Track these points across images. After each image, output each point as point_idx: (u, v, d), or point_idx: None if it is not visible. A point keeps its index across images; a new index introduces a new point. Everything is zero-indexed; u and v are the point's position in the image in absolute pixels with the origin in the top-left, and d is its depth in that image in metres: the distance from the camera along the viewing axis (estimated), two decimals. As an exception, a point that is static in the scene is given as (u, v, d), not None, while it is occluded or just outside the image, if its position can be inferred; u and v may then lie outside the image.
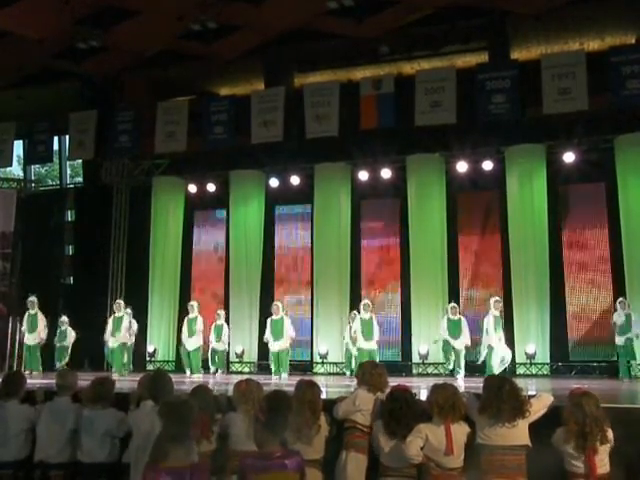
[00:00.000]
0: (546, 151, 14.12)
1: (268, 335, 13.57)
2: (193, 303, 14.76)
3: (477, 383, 7.08)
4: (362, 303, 13.38)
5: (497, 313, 12.54)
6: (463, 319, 12.93)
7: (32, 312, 14.51)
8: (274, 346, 13.46)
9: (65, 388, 5.85)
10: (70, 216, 19.17)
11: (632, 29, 14.62)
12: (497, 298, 12.92)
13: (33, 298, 14.54)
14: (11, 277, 17.66)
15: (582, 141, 13.72)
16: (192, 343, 14.25)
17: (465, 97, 13.61)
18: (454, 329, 12.72)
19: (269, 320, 13.72)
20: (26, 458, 5.66)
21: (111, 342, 14.09)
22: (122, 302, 14.65)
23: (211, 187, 16.21)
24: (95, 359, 15.14)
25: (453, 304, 13.08)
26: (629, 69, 12.58)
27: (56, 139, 18.73)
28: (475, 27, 14.87)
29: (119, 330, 14.06)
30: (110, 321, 14.34)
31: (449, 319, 12.83)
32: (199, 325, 14.34)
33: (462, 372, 12.63)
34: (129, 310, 14.46)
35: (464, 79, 13.73)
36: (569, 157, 13.72)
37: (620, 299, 12.71)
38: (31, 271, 17.57)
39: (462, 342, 12.69)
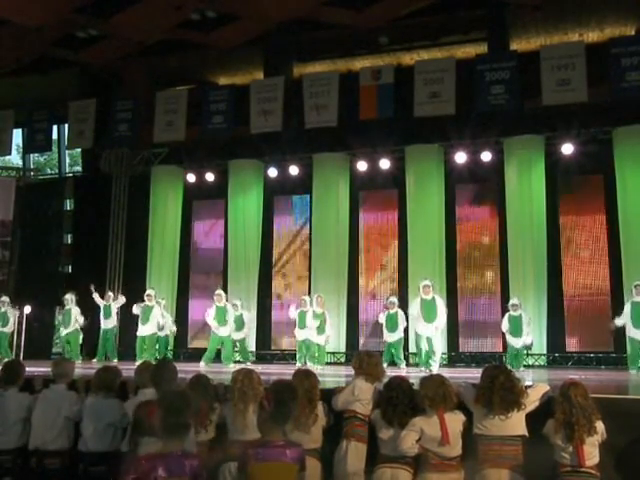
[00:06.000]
0: (545, 142, 14.13)
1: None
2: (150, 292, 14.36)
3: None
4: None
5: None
6: (438, 299, 11.81)
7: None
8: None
9: (61, 376, 5.88)
10: (69, 205, 19.18)
11: (632, 20, 14.60)
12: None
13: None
14: (10, 265, 17.69)
15: (581, 132, 13.73)
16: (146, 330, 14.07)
17: (464, 88, 13.63)
18: (428, 311, 11.52)
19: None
20: (25, 446, 5.69)
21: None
22: (73, 296, 14.50)
23: (210, 176, 16.22)
24: (91, 348, 15.14)
25: (426, 282, 11.76)
26: (629, 61, 12.60)
27: (55, 128, 18.73)
28: (475, 18, 14.86)
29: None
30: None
31: (422, 299, 11.64)
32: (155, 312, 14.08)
33: (437, 363, 11.60)
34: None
35: (463, 70, 13.76)
36: (568, 148, 13.73)
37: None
38: (29, 259, 17.62)
39: (434, 326, 11.57)
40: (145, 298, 14.11)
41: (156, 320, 14.03)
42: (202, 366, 12.52)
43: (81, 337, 14.50)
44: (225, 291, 15.51)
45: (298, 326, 13.28)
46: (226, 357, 13.49)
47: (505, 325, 12.57)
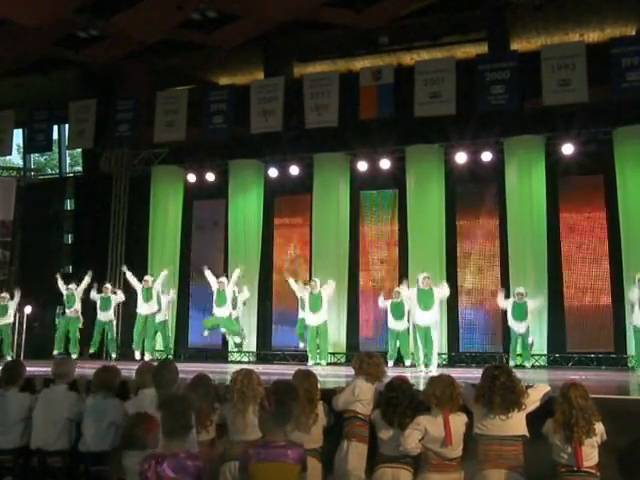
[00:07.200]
0: (545, 142, 14.12)
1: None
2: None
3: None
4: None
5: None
6: (436, 290, 11.71)
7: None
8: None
9: (61, 376, 5.87)
10: (69, 205, 19.22)
11: (633, 20, 14.61)
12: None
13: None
14: (10, 265, 17.70)
15: (581, 132, 13.73)
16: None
17: (465, 88, 13.61)
18: (425, 299, 11.54)
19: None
20: (26, 445, 5.70)
21: None
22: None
23: (210, 176, 16.23)
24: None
25: (425, 274, 11.78)
26: (629, 61, 12.56)
27: (55, 128, 18.72)
28: (475, 18, 14.87)
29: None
30: None
31: (419, 289, 11.65)
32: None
33: (435, 363, 11.64)
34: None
35: (464, 70, 13.73)
36: (568, 148, 13.73)
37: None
38: (30, 260, 17.62)
39: (432, 317, 11.62)
40: (143, 283, 14.26)
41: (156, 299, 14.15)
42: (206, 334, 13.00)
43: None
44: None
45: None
46: (233, 333, 13.65)
47: (508, 310, 12.76)
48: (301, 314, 13.63)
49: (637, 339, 11.76)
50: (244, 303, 14.65)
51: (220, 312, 13.43)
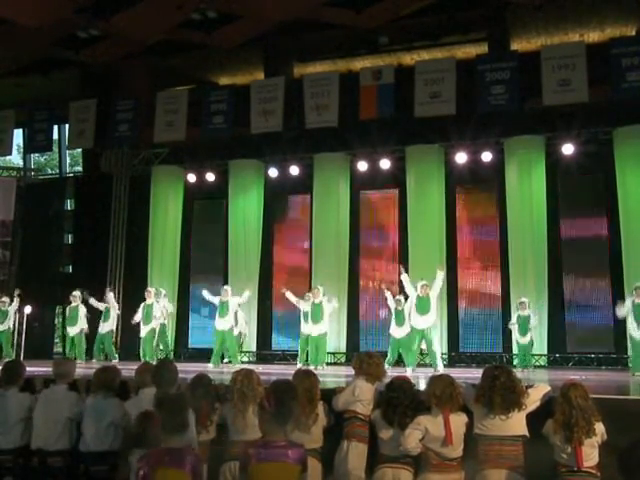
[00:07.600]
0: (545, 142, 14.14)
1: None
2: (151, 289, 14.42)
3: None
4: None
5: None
6: (432, 298, 11.85)
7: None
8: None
9: (62, 376, 5.87)
10: (69, 205, 19.24)
11: (633, 20, 14.61)
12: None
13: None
14: (10, 265, 17.70)
15: (581, 133, 13.73)
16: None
17: (465, 88, 13.62)
18: (422, 306, 11.75)
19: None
20: (26, 445, 5.69)
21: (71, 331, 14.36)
22: (78, 293, 14.50)
23: (210, 176, 16.23)
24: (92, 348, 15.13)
25: (424, 282, 11.90)
26: (629, 61, 12.58)
27: (56, 128, 18.74)
28: (474, 18, 14.88)
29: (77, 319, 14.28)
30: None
31: (418, 296, 11.84)
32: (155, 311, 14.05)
33: (440, 362, 11.86)
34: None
35: (464, 70, 13.74)
36: (568, 149, 13.74)
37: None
38: (30, 260, 17.63)
39: (428, 320, 11.76)
40: (145, 294, 14.12)
41: (157, 314, 14.04)
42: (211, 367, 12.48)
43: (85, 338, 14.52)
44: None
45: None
46: (232, 355, 13.40)
47: (514, 323, 12.88)
48: (303, 328, 13.22)
49: (633, 345, 11.85)
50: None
51: (221, 324, 13.13)
